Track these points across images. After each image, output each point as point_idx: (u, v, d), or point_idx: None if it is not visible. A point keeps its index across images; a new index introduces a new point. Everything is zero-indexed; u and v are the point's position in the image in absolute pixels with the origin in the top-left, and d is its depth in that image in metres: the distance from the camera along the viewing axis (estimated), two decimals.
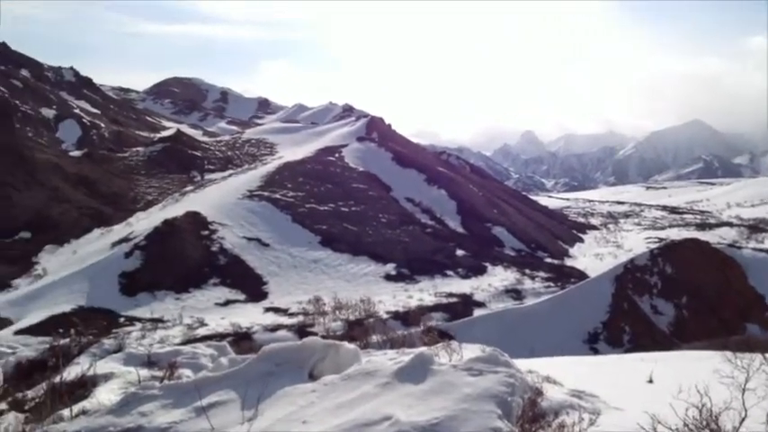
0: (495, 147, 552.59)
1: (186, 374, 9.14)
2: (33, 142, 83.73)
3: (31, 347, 15.54)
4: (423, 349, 6.90)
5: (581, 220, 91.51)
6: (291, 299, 48.78)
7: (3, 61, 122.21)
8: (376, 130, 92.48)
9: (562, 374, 9.55)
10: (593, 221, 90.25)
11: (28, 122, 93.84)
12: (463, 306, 47.38)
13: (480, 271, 55.94)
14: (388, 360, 6.17)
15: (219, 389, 6.00)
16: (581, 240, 75.32)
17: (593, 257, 64.22)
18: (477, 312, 46.27)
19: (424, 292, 50.26)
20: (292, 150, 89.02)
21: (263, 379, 6.01)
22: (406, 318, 42.01)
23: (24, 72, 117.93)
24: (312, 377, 6.22)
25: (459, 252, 59.60)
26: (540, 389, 7.13)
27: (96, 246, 57.28)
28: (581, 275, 55.48)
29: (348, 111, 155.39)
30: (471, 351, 7.70)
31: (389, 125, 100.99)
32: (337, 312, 43.97)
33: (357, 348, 6.95)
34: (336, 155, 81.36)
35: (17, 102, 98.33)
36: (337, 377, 5.92)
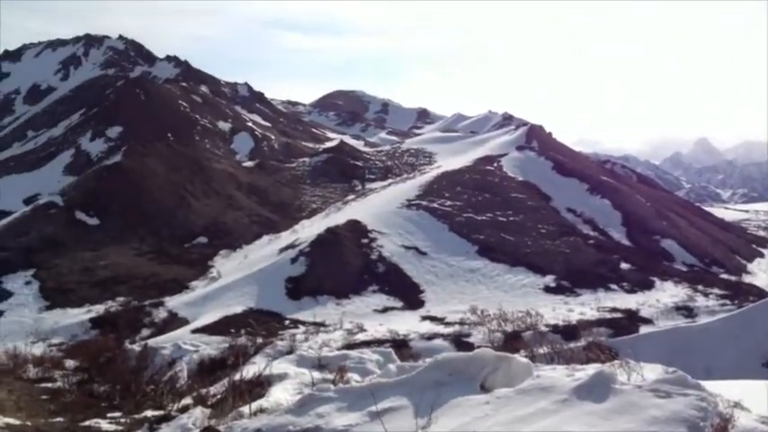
0: (665, 155, 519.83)
1: (355, 379, 9.37)
2: (211, 153, 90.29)
3: (212, 346, 16.58)
4: (603, 367, 6.57)
5: (762, 233, 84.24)
6: (448, 308, 48.73)
7: (185, 78, 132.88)
8: (536, 139, 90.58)
9: (747, 399, 8.75)
10: None
11: (206, 135, 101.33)
12: (628, 322, 45.06)
13: (647, 286, 53.00)
14: (566, 376, 5.93)
15: (392, 395, 6.06)
16: (761, 255, 69.37)
17: None
18: (644, 329, 43.83)
19: (586, 306, 48.38)
20: (450, 160, 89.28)
21: (435, 388, 5.98)
22: (567, 332, 40.68)
23: (204, 88, 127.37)
24: (484, 389, 6.12)
25: (624, 265, 56.82)
26: (730, 414, 6.57)
27: (265, 251, 60.45)
28: (761, 293, 50.98)
29: (507, 119, 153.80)
30: (651, 371, 7.24)
31: (550, 133, 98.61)
32: (494, 323, 43.39)
33: (530, 362, 6.75)
34: (495, 164, 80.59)
35: (197, 116, 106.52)
36: (511, 391, 5.76)
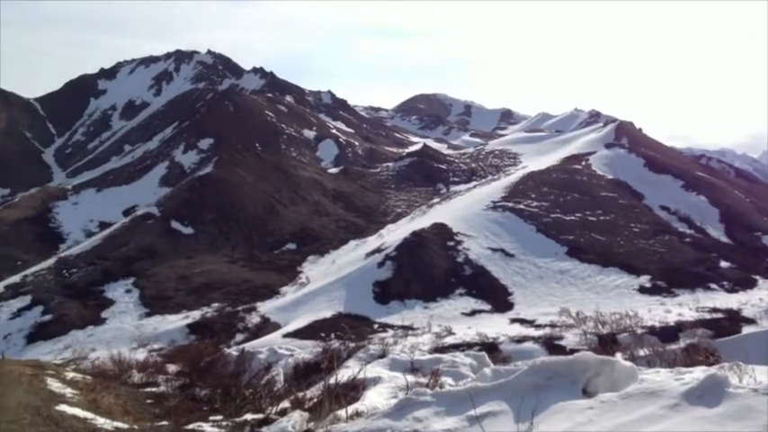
0: (764, 148, 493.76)
1: (449, 382, 9.31)
2: (297, 161, 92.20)
3: (306, 350, 16.85)
4: (713, 369, 6.27)
5: None
6: (537, 310, 47.83)
7: (270, 89, 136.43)
8: (625, 135, 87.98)
9: None
10: None
11: (292, 143, 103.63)
12: (729, 322, 42.92)
13: (749, 284, 50.44)
14: (673, 380, 5.68)
15: (490, 399, 5.95)
16: None
17: None
18: (747, 329, 41.67)
19: (684, 307, 46.44)
20: (536, 160, 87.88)
21: (536, 392, 5.84)
22: (665, 333, 39.19)
23: (289, 98, 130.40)
24: (586, 393, 5.93)
25: (724, 264, 54.29)
26: None
27: (352, 256, 61.06)
28: None
29: (595, 116, 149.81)
30: (763, 373, 6.85)
31: (640, 129, 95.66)
32: (587, 325, 42.26)
33: (634, 366, 6.50)
34: (583, 163, 78.73)
35: (283, 125, 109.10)
36: (615, 395, 5.56)
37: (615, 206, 65.99)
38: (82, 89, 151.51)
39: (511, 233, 59.86)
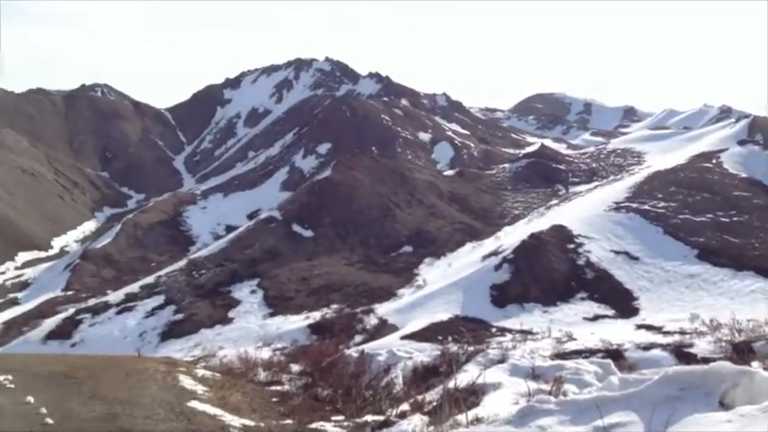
0: None
1: (572, 390, 9.04)
2: (413, 164, 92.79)
3: (425, 353, 16.91)
4: None
5: None
6: (665, 316, 45.60)
7: (387, 93, 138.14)
8: (760, 131, 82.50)
9: None
10: None
11: (408, 146, 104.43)
12: None
13: None
14: None
15: (619, 409, 5.71)
16: None
17: None
18: None
19: None
20: (662, 158, 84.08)
21: (668, 403, 5.56)
22: None
23: (404, 101, 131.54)
24: (722, 406, 5.59)
25: None
26: None
27: (468, 259, 60.67)
28: None
29: (725, 112, 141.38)
30: None
31: None
32: (721, 333, 39.88)
33: None
34: (713, 161, 74.54)
35: (398, 129, 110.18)
36: (756, 408, 5.19)
37: (749, 206, 62.02)
38: (209, 99, 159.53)
39: (635, 235, 57.51)
